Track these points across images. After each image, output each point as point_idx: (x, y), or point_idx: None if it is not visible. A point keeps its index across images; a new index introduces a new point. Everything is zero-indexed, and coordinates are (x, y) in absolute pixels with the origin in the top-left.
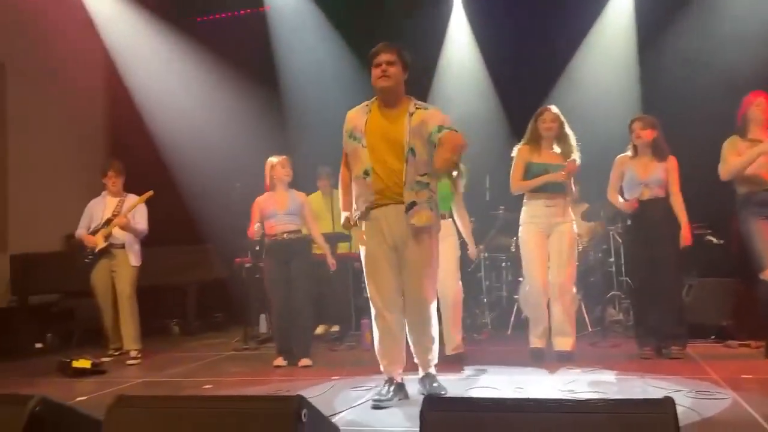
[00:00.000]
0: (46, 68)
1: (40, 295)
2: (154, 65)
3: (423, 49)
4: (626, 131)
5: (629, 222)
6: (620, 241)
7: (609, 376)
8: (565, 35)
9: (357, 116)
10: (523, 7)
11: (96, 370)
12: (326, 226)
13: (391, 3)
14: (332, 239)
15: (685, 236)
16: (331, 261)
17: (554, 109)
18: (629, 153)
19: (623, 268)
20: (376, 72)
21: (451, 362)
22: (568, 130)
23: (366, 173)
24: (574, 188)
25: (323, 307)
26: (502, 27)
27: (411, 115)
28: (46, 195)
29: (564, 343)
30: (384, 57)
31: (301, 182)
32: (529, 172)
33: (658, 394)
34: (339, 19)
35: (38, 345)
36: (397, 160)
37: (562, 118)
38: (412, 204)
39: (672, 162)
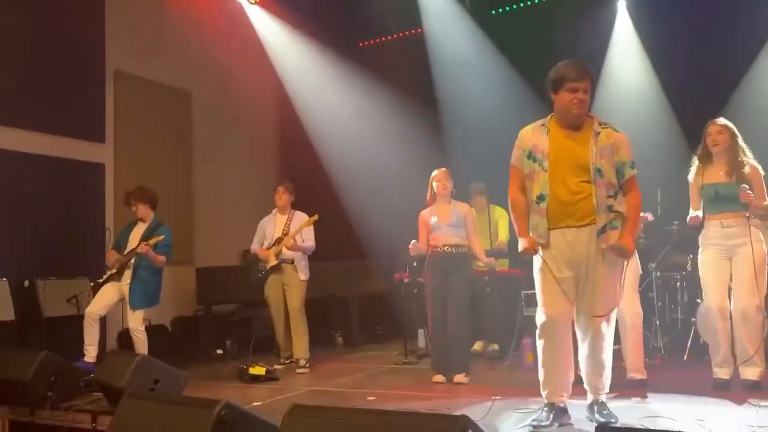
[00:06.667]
0: (226, 96)
1: (222, 305)
2: (321, 90)
3: (586, 56)
4: None
5: None
6: None
7: None
8: (746, 35)
9: (535, 136)
10: (696, 7)
11: (270, 377)
12: (484, 243)
13: (550, 13)
14: (490, 256)
15: None
16: (485, 260)
17: (721, 121)
18: None
19: None
20: (568, 96)
21: (631, 388)
22: (741, 143)
23: (540, 198)
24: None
25: (482, 323)
26: (672, 29)
27: (597, 134)
28: (225, 214)
29: (750, 372)
30: (582, 85)
31: (458, 199)
32: (700, 194)
33: None
34: (493, 33)
35: (219, 351)
36: (579, 182)
37: (734, 130)
38: (604, 228)
39: None
